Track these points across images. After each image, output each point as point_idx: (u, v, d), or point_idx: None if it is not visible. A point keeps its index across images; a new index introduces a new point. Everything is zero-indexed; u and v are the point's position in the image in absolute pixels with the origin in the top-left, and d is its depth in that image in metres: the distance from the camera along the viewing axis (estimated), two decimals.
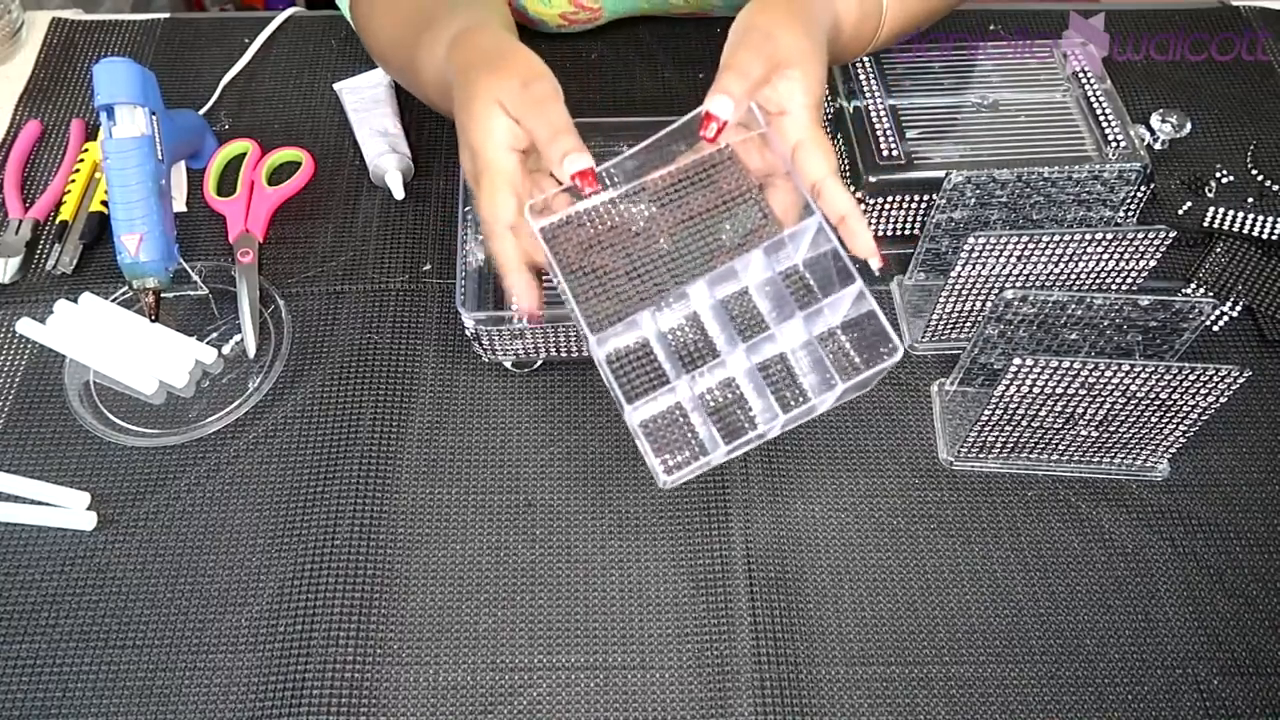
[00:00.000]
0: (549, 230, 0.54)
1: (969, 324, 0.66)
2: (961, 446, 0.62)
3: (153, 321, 0.66)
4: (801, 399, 0.56)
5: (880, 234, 0.71)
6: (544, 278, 0.57)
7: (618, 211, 0.55)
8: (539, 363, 0.66)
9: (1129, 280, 0.63)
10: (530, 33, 0.84)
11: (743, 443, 0.54)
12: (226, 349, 0.67)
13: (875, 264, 0.53)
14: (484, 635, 0.57)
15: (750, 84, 0.52)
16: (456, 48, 0.58)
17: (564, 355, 0.65)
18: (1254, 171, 0.77)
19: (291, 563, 0.59)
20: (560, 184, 0.53)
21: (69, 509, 0.60)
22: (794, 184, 0.54)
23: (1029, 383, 0.55)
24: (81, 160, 0.75)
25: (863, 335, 0.55)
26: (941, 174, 0.64)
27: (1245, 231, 0.72)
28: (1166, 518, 0.61)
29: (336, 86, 0.80)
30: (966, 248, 0.60)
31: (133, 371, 0.65)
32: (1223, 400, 0.55)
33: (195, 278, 0.68)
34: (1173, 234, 0.59)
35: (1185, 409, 0.56)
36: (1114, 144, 0.67)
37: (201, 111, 0.78)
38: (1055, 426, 0.59)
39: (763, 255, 0.55)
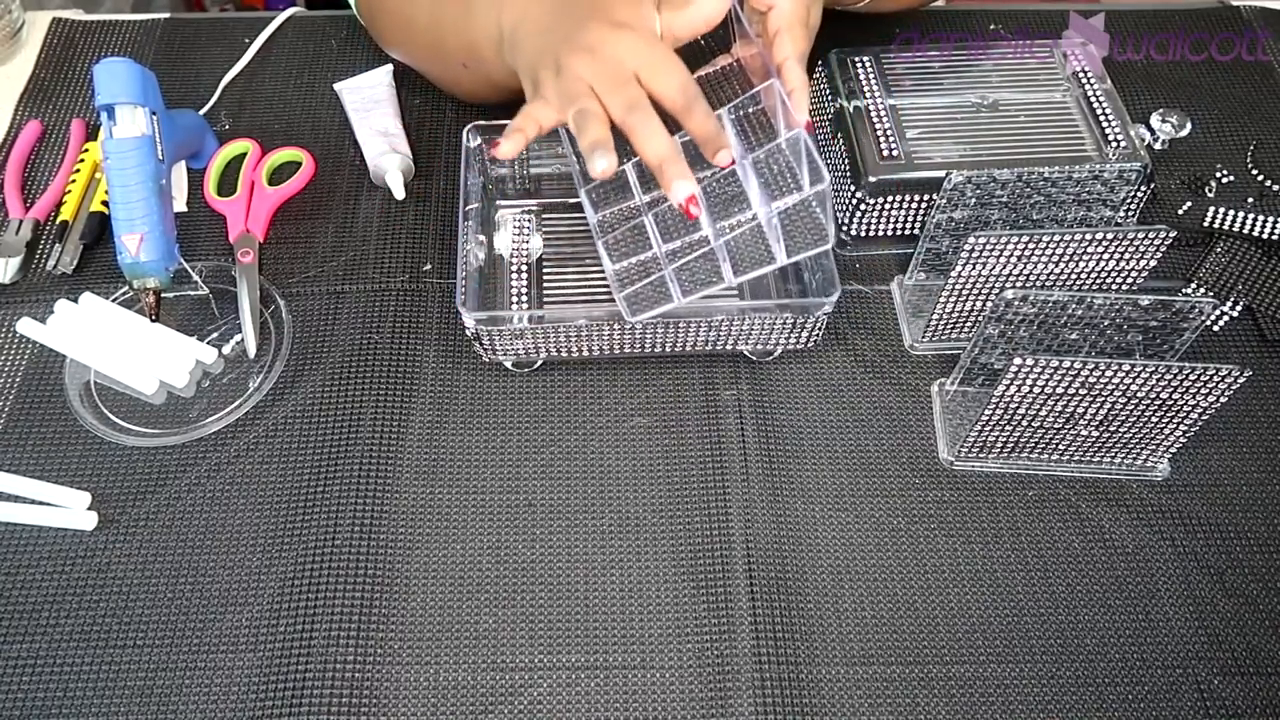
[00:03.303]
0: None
1: (969, 324, 0.66)
2: (961, 446, 0.62)
3: (153, 321, 0.66)
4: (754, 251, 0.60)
5: (880, 234, 0.71)
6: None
7: None
8: (539, 363, 0.66)
9: (1129, 280, 0.63)
10: None
11: (702, 287, 0.58)
12: (227, 349, 0.67)
13: (800, 132, 0.56)
14: (484, 635, 0.57)
15: None
16: None
17: (564, 355, 0.65)
18: (1254, 171, 0.77)
19: (291, 563, 0.59)
20: None
21: (69, 509, 0.60)
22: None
23: (1029, 382, 0.55)
24: (82, 160, 0.75)
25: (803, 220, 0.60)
26: (941, 174, 0.64)
27: (1245, 231, 0.72)
28: (1166, 518, 0.61)
29: (337, 86, 0.80)
30: (966, 248, 0.60)
31: (133, 371, 0.65)
32: (1223, 400, 0.55)
33: (195, 278, 0.68)
34: (1173, 234, 0.59)
35: (1185, 409, 0.56)
36: (1114, 144, 0.67)
37: (202, 111, 0.78)
38: (1055, 426, 0.59)
39: (732, 129, 0.60)
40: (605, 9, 0.56)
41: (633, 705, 0.55)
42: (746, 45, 0.62)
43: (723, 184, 0.62)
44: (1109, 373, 0.54)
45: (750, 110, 0.61)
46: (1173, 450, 0.61)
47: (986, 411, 0.58)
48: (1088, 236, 0.59)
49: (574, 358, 0.66)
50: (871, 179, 0.67)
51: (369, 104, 0.78)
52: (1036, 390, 0.56)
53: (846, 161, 0.69)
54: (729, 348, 0.65)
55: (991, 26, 0.85)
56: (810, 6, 0.61)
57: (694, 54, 0.60)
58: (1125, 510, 0.62)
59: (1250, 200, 0.75)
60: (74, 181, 0.74)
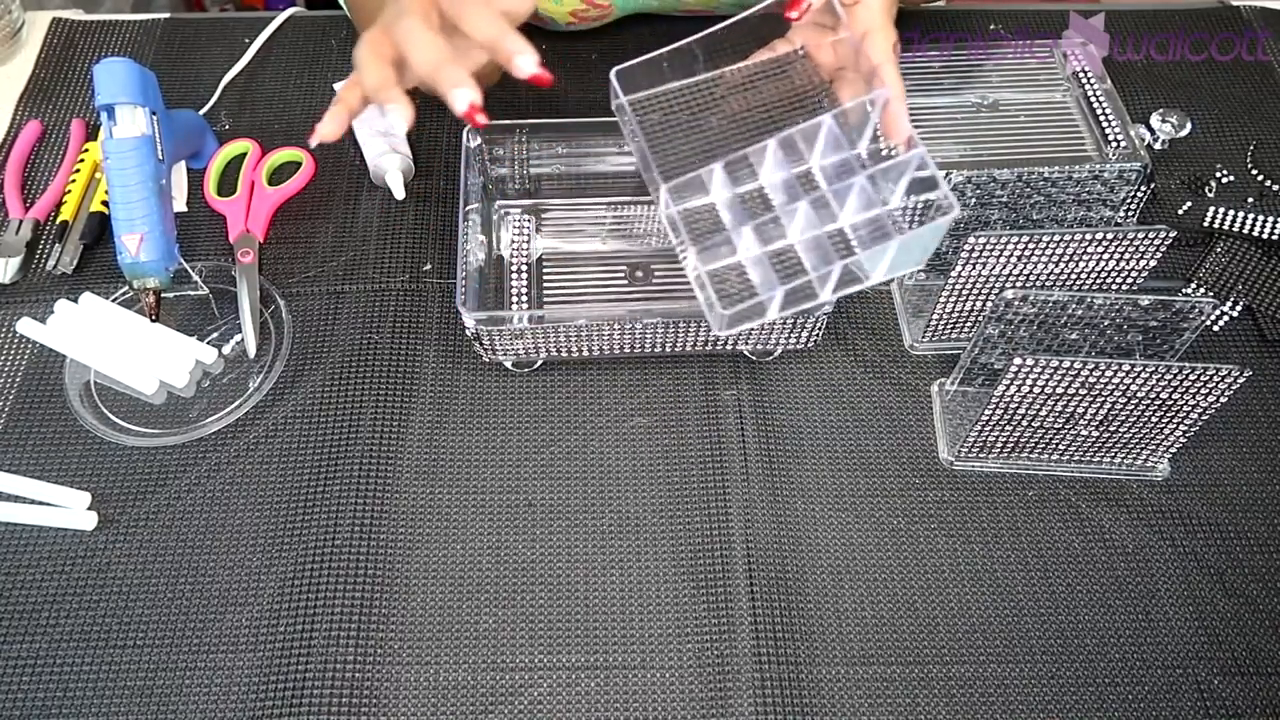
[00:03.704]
0: (634, 102, 0.57)
1: (969, 324, 0.66)
2: (962, 446, 0.62)
3: (153, 321, 0.66)
4: (854, 259, 0.55)
5: None
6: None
7: (694, 95, 0.58)
8: (539, 363, 0.66)
9: (1129, 280, 0.63)
10: (533, 31, 0.84)
11: (802, 295, 0.53)
12: (227, 349, 0.67)
13: (903, 150, 0.55)
14: (484, 635, 0.57)
15: None
16: None
17: (564, 355, 0.65)
18: (1254, 171, 0.77)
19: (291, 563, 0.59)
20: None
21: (69, 509, 0.60)
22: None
23: (1029, 382, 0.55)
24: (82, 160, 0.75)
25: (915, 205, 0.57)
26: (942, 174, 0.64)
27: (1245, 231, 0.72)
28: (1166, 518, 0.61)
29: (337, 86, 0.80)
30: (966, 247, 0.60)
31: (133, 371, 0.65)
32: (1223, 400, 0.55)
33: (195, 278, 0.68)
34: (1173, 234, 0.59)
35: (1185, 409, 0.56)
36: (1114, 144, 0.67)
37: (202, 111, 0.78)
38: (1055, 426, 0.59)
39: (828, 133, 0.57)
40: None
41: (633, 705, 0.55)
42: (818, 34, 0.59)
43: (805, 188, 0.58)
44: (1109, 373, 0.54)
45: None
46: (1173, 450, 0.61)
47: (986, 411, 0.58)
48: (1088, 236, 0.59)
49: (574, 358, 0.66)
50: None
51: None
52: (1036, 390, 0.56)
53: None
54: (729, 348, 0.65)
55: (991, 26, 0.85)
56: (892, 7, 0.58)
57: (753, 40, 0.59)
58: (1125, 510, 0.62)
59: (1250, 200, 0.75)
60: (74, 181, 0.74)
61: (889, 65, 0.56)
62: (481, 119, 0.52)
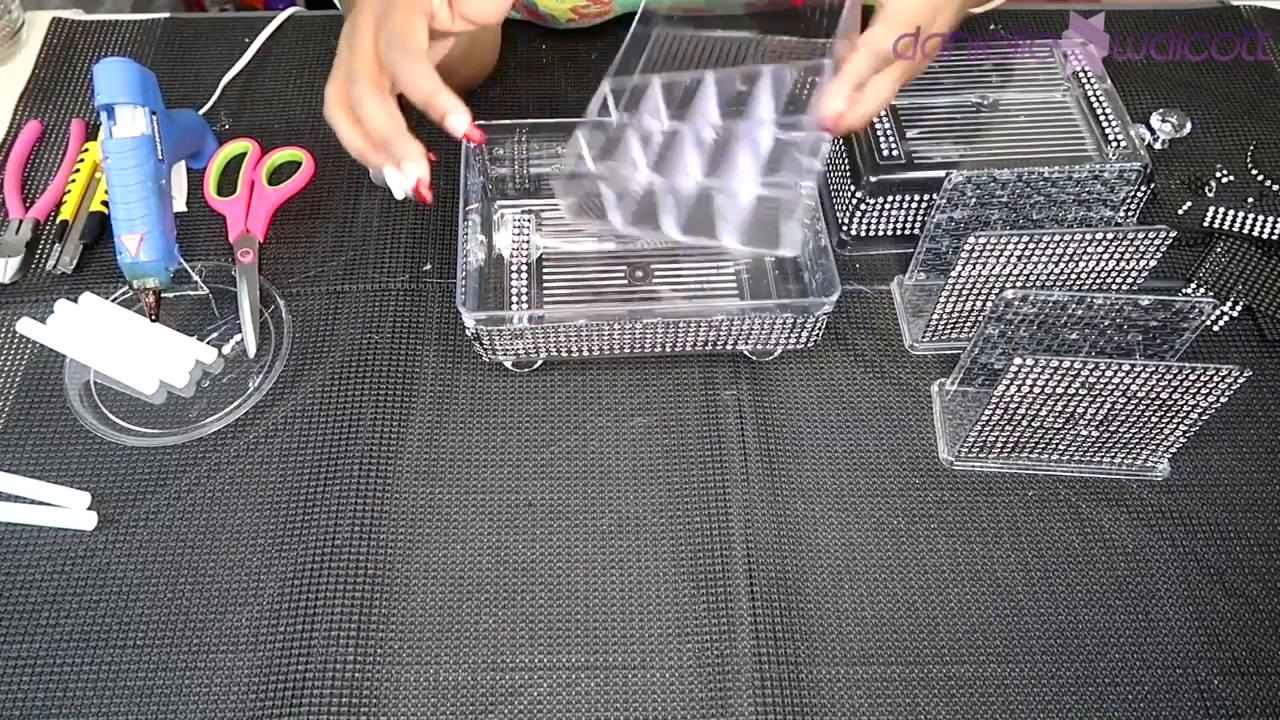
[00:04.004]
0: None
1: (969, 324, 0.66)
2: (961, 446, 0.62)
3: (153, 321, 0.66)
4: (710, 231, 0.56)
5: (880, 234, 0.71)
6: None
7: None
8: (539, 363, 0.66)
9: (1129, 280, 0.63)
10: (533, 29, 0.84)
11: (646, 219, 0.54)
12: (227, 349, 0.67)
13: (824, 135, 0.53)
14: (484, 635, 0.57)
15: None
16: None
17: (564, 355, 0.65)
18: (1254, 171, 0.77)
19: (291, 563, 0.59)
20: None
21: (69, 509, 0.60)
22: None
23: (1029, 382, 0.55)
24: (81, 160, 0.75)
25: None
26: (941, 174, 0.64)
27: (1245, 231, 0.72)
28: (1166, 518, 0.61)
29: None
30: (966, 247, 0.60)
31: (133, 371, 0.65)
32: (1223, 400, 0.55)
33: (195, 278, 0.68)
34: (1173, 234, 0.59)
35: (1185, 409, 0.56)
36: (1114, 144, 0.67)
37: (201, 111, 0.78)
38: (1055, 426, 0.59)
39: (769, 86, 0.56)
40: None
41: (633, 705, 0.55)
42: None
43: (725, 142, 0.58)
44: (1109, 373, 0.54)
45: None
46: (1173, 450, 0.61)
47: (986, 411, 0.58)
48: (1088, 236, 0.59)
49: (574, 358, 0.66)
50: (871, 179, 0.67)
51: None
52: (1036, 390, 0.56)
53: (846, 161, 0.69)
54: (729, 348, 0.65)
55: (991, 26, 0.85)
56: (937, 12, 0.55)
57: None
58: (1125, 510, 0.62)
59: (1250, 200, 0.75)
60: (74, 181, 0.74)
61: (865, 50, 0.52)
62: (427, 195, 0.52)
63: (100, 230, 0.72)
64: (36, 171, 0.76)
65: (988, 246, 0.60)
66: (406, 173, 0.51)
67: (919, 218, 0.69)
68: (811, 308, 0.62)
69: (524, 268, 0.69)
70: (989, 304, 0.63)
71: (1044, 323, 0.59)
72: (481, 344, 0.63)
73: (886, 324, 0.69)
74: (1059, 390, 0.56)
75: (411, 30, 0.51)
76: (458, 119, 0.51)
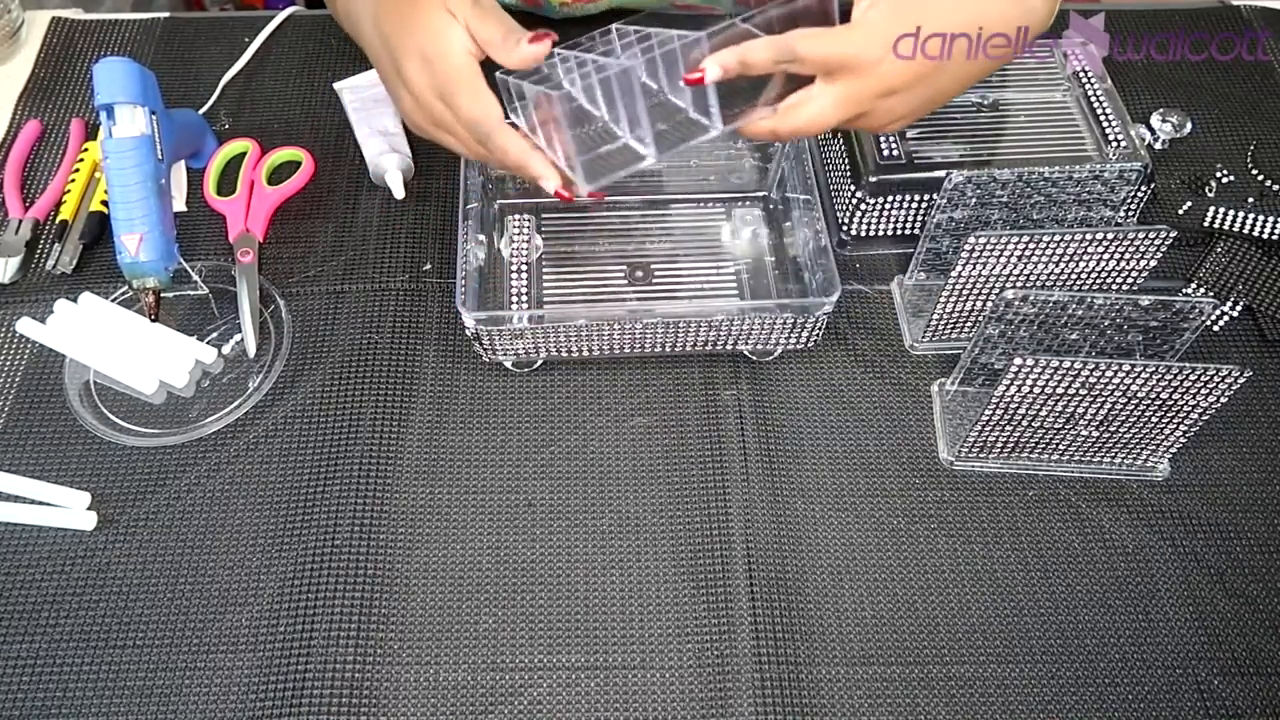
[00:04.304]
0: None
1: (969, 324, 0.66)
2: (962, 446, 0.62)
3: (153, 321, 0.66)
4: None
5: (880, 234, 0.71)
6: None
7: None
8: (539, 363, 0.66)
9: (1129, 280, 0.63)
10: (528, 17, 0.84)
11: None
12: (226, 349, 0.67)
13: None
14: (484, 635, 0.57)
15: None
16: None
17: (564, 355, 0.65)
18: (1254, 171, 0.77)
19: (291, 563, 0.59)
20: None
21: (69, 509, 0.60)
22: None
23: (1029, 383, 0.55)
24: (81, 160, 0.75)
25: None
26: (942, 174, 0.64)
27: (1245, 231, 0.72)
28: (1166, 518, 0.61)
29: (336, 86, 0.79)
30: (967, 247, 0.60)
31: (133, 371, 0.65)
32: (1223, 400, 0.55)
33: (195, 277, 0.68)
34: (1173, 234, 0.59)
35: (1185, 409, 0.56)
36: (1114, 144, 0.67)
37: (201, 111, 0.78)
38: (1055, 426, 0.59)
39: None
40: (411, 37, 0.54)
41: (633, 705, 0.55)
42: None
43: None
44: (1109, 373, 0.54)
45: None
46: (1173, 450, 0.61)
47: (986, 411, 0.58)
48: (1088, 236, 0.59)
49: (574, 358, 0.66)
50: (871, 179, 0.67)
51: (369, 103, 0.77)
52: (1036, 390, 0.56)
53: (846, 161, 0.69)
54: (729, 348, 0.65)
55: None
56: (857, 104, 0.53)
57: None
58: (1125, 510, 0.62)
59: (1250, 200, 0.75)
60: (73, 181, 0.74)
61: (770, 40, 0.51)
62: (568, 194, 0.54)
63: (100, 230, 0.72)
64: (36, 171, 0.76)
65: (988, 246, 0.60)
66: (544, 187, 0.55)
67: (919, 218, 0.69)
68: (811, 308, 0.62)
69: (524, 268, 0.69)
70: (989, 304, 0.63)
71: (1044, 323, 0.59)
72: (481, 344, 0.63)
73: (886, 324, 0.69)
74: (1059, 390, 0.56)
75: (486, 109, 0.53)
76: (549, 184, 0.54)
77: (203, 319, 0.68)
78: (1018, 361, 0.54)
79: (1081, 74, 0.71)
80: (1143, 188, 0.68)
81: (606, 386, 0.66)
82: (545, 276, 0.69)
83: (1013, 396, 0.57)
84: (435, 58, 0.53)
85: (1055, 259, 0.61)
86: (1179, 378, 0.54)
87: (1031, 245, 0.60)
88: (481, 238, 0.68)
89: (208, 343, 0.67)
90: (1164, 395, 0.55)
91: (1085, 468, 0.63)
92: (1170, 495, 0.62)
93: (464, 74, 0.53)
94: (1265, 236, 0.72)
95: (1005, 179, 0.64)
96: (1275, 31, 0.86)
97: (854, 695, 0.55)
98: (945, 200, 0.64)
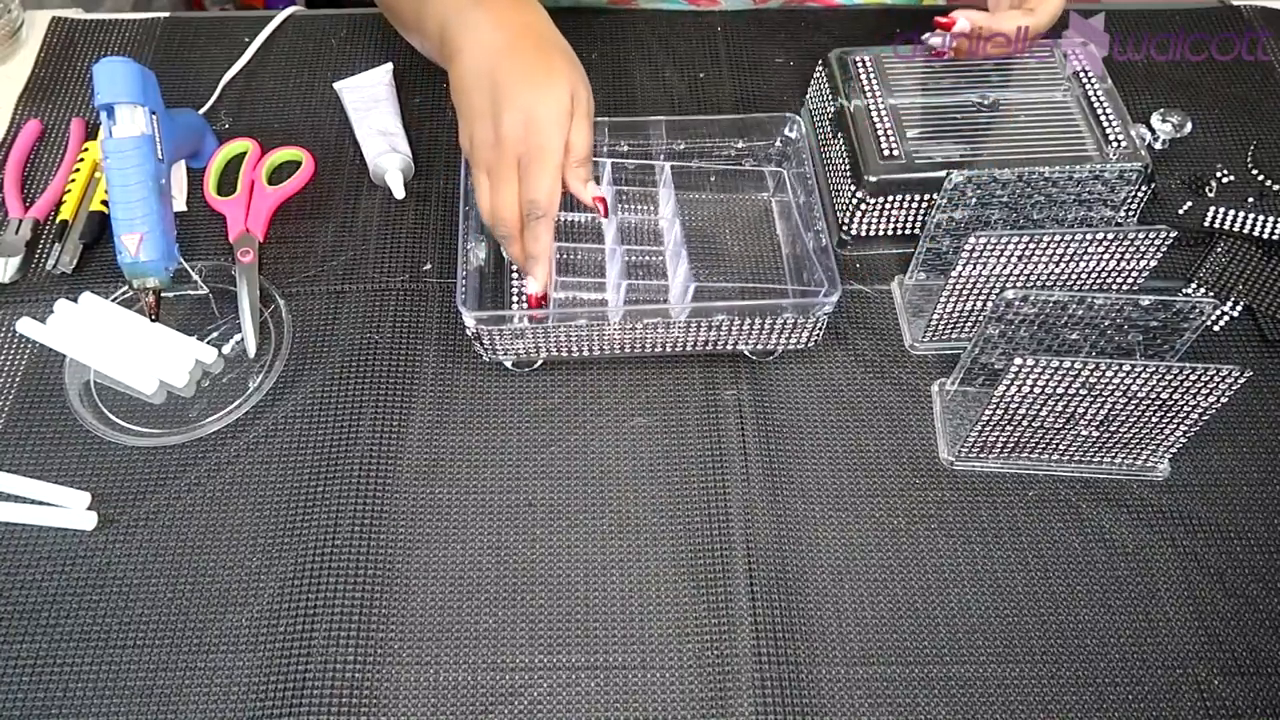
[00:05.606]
0: None
1: (969, 324, 0.66)
2: (962, 446, 0.62)
3: (153, 321, 0.66)
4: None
5: (881, 234, 0.71)
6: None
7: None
8: (539, 363, 0.66)
9: (1130, 280, 0.63)
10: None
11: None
12: (227, 349, 0.67)
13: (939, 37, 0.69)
14: (484, 635, 0.57)
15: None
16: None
17: (564, 355, 0.65)
18: (1254, 171, 0.77)
19: (291, 563, 0.59)
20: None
21: (69, 509, 0.60)
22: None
23: (1029, 383, 0.55)
24: (81, 160, 0.75)
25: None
26: (942, 174, 0.64)
27: (1245, 231, 0.72)
28: (1166, 518, 0.61)
29: (336, 86, 0.80)
30: (967, 247, 0.60)
31: (133, 371, 0.65)
32: (1223, 400, 0.55)
33: (195, 277, 0.68)
34: (1173, 234, 0.59)
35: (1186, 409, 0.56)
36: (1115, 144, 0.67)
37: (201, 111, 0.78)
38: (1056, 426, 0.59)
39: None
40: (518, 98, 0.57)
41: (633, 705, 0.55)
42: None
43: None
44: (1109, 373, 0.54)
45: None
46: (1173, 450, 0.61)
47: (987, 411, 0.58)
48: (1088, 236, 0.59)
49: (574, 358, 0.66)
50: (872, 179, 0.67)
51: (369, 103, 0.78)
52: (1037, 390, 0.56)
53: (847, 161, 0.69)
54: (729, 348, 0.65)
55: None
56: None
57: None
58: (1125, 510, 0.62)
59: (1250, 200, 0.75)
60: (74, 181, 0.74)
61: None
62: (535, 302, 0.61)
63: (100, 230, 0.72)
64: (36, 171, 0.76)
65: (988, 246, 0.60)
66: (528, 284, 0.61)
67: (919, 218, 0.69)
68: (811, 308, 0.62)
69: None
70: (989, 304, 0.63)
71: (1044, 323, 0.59)
72: (481, 344, 0.63)
73: (887, 324, 0.69)
74: (1059, 390, 0.56)
75: (552, 197, 0.57)
76: (535, 287, 0.60)
77: (203, 319, 0.68)
78: (1018, 361, 0.54)
79: (1082, 74, 0.71)
80: (1143, 188, 0.68)
81: (606, 386, 0.66)
82: None
83: (1013, 396, 0.57)
84: (539, 128, 0.56)
85: (1055, 259, 0.61)
86: (1179, 378, 0.54)
87: (1032, 245, 0.60)
88: (482, 237, 0.68)
89: (208, 343, 0.67)
90: (1164, 395, 0.55)
91: (1085, 468, 0.63)
92: (1170, 495, 0.62)
93: (555, 157, 0.56)
94: (1265, 236, 0.72)
95: (1005, 179, 0.64)
96: (1275, 31, 0.86)
97: (854, 695, 0.55)
98: (945, 200, 0.64)
